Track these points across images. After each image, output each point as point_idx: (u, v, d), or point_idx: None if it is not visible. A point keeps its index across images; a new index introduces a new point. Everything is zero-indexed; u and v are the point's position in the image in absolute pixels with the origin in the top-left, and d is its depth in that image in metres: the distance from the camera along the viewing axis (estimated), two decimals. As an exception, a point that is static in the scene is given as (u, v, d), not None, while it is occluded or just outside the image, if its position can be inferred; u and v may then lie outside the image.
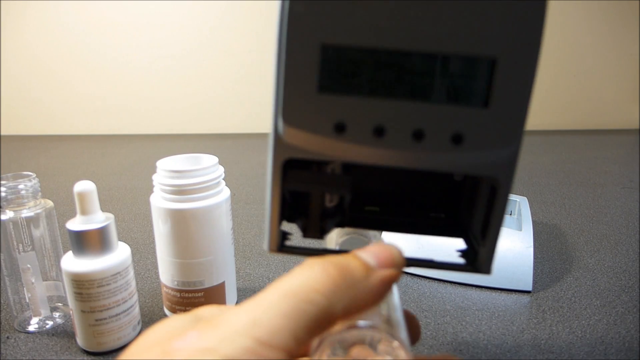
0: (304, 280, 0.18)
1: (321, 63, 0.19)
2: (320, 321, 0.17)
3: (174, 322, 0.19)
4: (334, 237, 0.26)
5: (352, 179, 0.24)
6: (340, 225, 0.27)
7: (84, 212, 0.36)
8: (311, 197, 0.24)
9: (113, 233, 0.38)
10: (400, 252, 0.22)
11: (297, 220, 0.26)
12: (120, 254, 0.38)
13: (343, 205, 0.25)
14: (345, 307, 0.18)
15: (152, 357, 0.16)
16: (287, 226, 0.25)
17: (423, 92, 0.19)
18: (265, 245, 0.24)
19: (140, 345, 0.18)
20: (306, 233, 0.25)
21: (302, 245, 0.24)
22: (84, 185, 0.36)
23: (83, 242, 0.36)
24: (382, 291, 0.20)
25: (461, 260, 0.25)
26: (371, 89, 0.19)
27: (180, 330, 0.18)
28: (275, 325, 0.16)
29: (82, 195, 0.36)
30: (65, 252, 0.39)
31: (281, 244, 0.24)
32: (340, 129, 0.20)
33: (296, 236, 0.26)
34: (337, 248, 0.25)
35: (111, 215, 0.38)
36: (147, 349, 0.17)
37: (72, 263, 0.37)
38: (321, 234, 0.25)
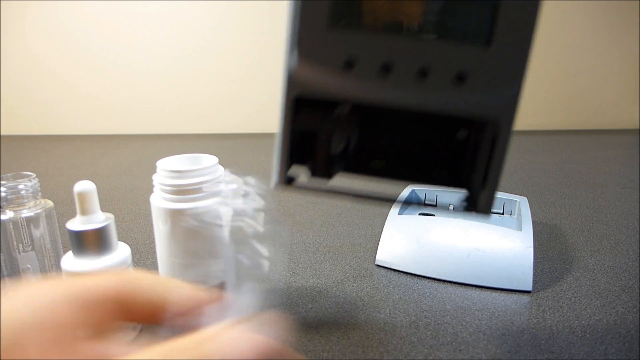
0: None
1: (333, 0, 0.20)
2: None
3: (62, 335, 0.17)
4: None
5: (359, 122, 0.24)
6: (347, 169, 0.27)
7: (84, 212, 0.36)
8: (319, 136, 0.25)
9: (113, 233, 0.38)
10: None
11: (305, 163, 0.26)
12: (120, 254, 0.38)
13: (349, 149, 0.26)
14: None
15: None
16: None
17: (430, 30, 0.20)
18: (272, 181, 0.25)
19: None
20: (314, 173, 0.26)
21: (308, 184, 0.25)
22: (84, 186, 0.36)
23: (83, 242, 0.36)
24: None
25: (463, 204, 0.26)
26: (380, 26, 0.20)
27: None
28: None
29: (82, 195, 0.36)
30: (65, 252, 0.39)
31: (288, 181, 0.25)
32: (349, 64, 0.20)
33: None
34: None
35: (111, 215, 0.38)
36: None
37: (72, 263, 0.37)
38: (329, 175, 0.26)
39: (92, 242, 0.36)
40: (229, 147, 1.23)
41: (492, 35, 0.19)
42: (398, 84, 0.20)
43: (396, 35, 0.20)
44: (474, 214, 0.25)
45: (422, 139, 0.28)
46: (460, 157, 0.28)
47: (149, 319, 0.20)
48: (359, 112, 0.25)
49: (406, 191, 0.62)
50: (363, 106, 0.24)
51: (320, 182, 0.26)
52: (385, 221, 0.57)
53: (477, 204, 0.24)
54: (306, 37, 0.20)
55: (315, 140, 0.25)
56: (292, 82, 0.21)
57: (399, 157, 0.29)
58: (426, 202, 0.63)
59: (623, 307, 0.45)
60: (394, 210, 0.59)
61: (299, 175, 0.26)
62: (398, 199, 0.25)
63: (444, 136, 0.28)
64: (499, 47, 0.20)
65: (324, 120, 0.24)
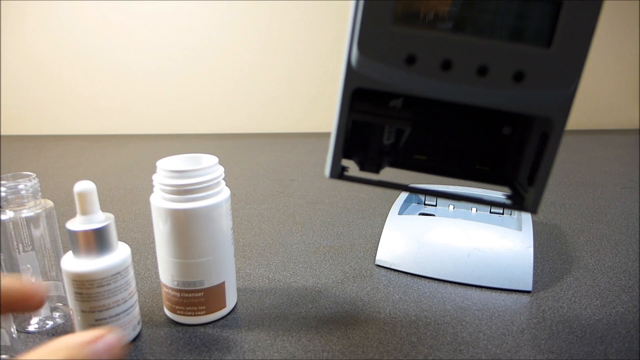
0: None
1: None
2: None
3: None
4: None
5: (412, 115, 0.25)
6: (394, 164, 0.28)
7: (84, 212, 0.36)
8: (372, 130, 0.26)
9: (113, 233, 0.38)
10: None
11: (354, 156, 0.27)
12: (120, 253, 0.38)
13: (398, 144, 0.27)
14: None
15: None
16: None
17: (491, 29, 0.21)
18: (327, 171, 0.25)
19: None
20: (363, 167, 0.27)
21: (360, 176, 0.26)
22: (84, 185, 0.36)
23: (83, 242, 0.36)
24: None
25: (507, 201, 0.27)
26: (443, 23, 0.21)
27: None
28: None
29: (82, 195, 0.36)
30: (65, 252, 0.39)
31: (341, 172, 0.26)
32: (410, 60, 0.21)
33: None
34: None
35: (111, 215, 0.38)
36: None
37: (72, 263, 0.37)
38: (378, 168, 0.27)
39: (92, 242, 0.36)
40: (229, 147, 1.23)
41: (553, 35, 0.20)
42: (458, 80, 0.21)
43: (457, 33, 0.21)
44: (521, 211, 0.25)
45: (468, 135, 0.29)
46: (505, 155, 0.29)
47: None
48: (412, 106, 0.26)
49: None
50: (416, 101, 0.25)
51: (369, 174, 0.27)
52: (385, 221, 0.57)
53: (525, 202, 0.25)
54: (369, 33, 0.21)
55: (368, 135, 0.26)
56: (353, 75, 0.22)
57: (443, 152, 0.30)
58: (426, 202, 0.63)
59: (623, 307, 0.45)
60: (394, 210, 0.59)
61: (348, 168, 0.26)
62: (447, 192, 0.26)
63: (489, 133, 0.29)
64: (558, 47, 0.20)
65: (379, 114, 0.25)
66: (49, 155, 1.16)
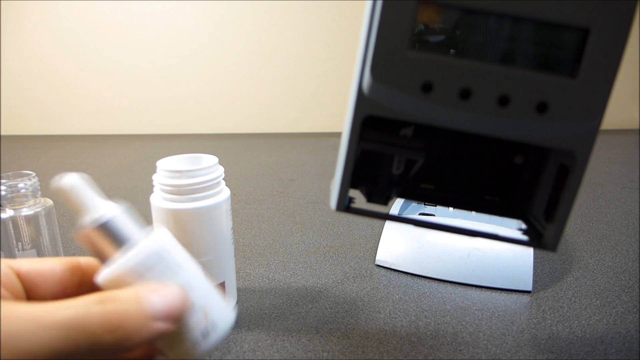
0: (82, 317, 0.17)
1: (415, 19, 0.19)
2: (86, 355, 0.17)
3: None
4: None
5: (425, 145, 0.24)
6: (402, 195, 0.27)
7: (75, 212, 0.33)
8: (382, 159, 0.24)
9: (125, 224, 0.29)
10: (189, 305, 0.20)
11: (360, 187, 0.26)
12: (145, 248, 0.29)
13: (407, 175, 0.25)
14: (115, 350, 0.18)
15: None
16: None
17: (513, 57, 0.19)
18: (332, 203, 0.24)
19: None
20: (371, 198, 0.26)
21: (368, 209, 0.24)
22: (61, 182, 0.25)
23: (94, 244, 0.33)
24: (151, 341, 0.19)
25: (524, 238, 0.25)
26: (462, 50, 0.20)
27: None
28: (35, 346, 0.16)
29: (62, 194, 0.26)
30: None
31: (347, 205, 0.24)
32: (427, 88, 0.20)
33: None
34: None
35: (116, 205, 0.30)
36: None
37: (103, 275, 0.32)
38: (386, 200, 0.26)
39: (103, 241, 0.32)
40: (229, 147, 1.23)
41: (579, 65, 0.19)
42: (477, 110, 0.20)
43: (477, 60, 0.19)
44: (540, 249, 0.24)
45: (478, 163, 0.28)
46: (516, 185, 0.28)
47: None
48: (424, 136, 0.24)
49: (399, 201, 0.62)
50: (428, 130, 0.23)
51: (376, 206, 0.25)
52: (385, 221, 0.56)
53: (544, 239, 0.23)
54: (383, 57, 0.20)
55: (376, 165, 0.25)
56: (364, 102, 0.20)
57: (451, 181, 0.28)
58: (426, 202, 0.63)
59: (623, 307, 0.45)
60: (394, 210, 0.59)
61: (355, 199, 0.25)
62: (466, 229, 0.24)
63: (500, 161, 0.27)
64: (584, 77, 0.19)
65: (390, 143, 0.24)
66: (49, 155, 1.16)
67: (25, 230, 0.41)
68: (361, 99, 0.21)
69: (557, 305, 0.46)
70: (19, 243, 0.41)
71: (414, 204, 0.63)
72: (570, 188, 0.21)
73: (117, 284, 0.20)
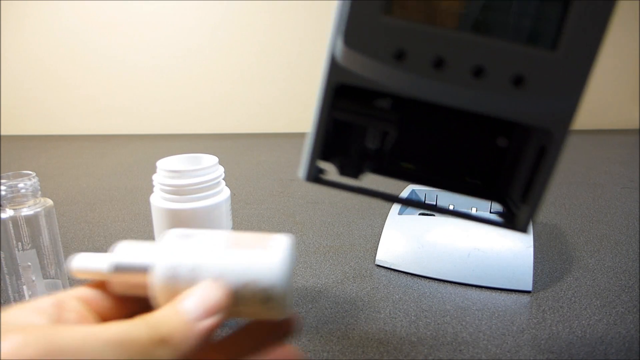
0: (133, 332, 0.18)
1: None
2: None
3: (10, 319, 0.18)
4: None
5: (399, 118, 0.23)
6: (377, 171, 0.26)
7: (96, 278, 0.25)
8: (354, 130, 0.24)
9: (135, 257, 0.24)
10: (224, 293, 0.21)
11: (333, 159, 0.25)
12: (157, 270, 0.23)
13: (382, 149, 0.24)
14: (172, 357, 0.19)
15: None
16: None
17: (489, 27, 0.19)
18: (301, 173, 0.23)
19: None
20: (343, 171, 0.25)
21: (337, 180, 0.24)
22: (71, 268, 0.22)
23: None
24: (205, 339, 0.20)
25: (497, 219, 0.24)
26: (437, 17, 0.19)
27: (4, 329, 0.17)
28: None
29: (81, 275, 0.23)
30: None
31: (317, 175, 0.23)
32: (400, 55, 0.19)
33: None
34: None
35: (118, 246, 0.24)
36: None
37: None
38: (358, 173, 0.25)
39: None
40: (229, 147, 1.23)
41: (559, 38, 0.18)
42: (450, 80, 0.19)
43: (453, 29, 0.18)
44: (510, 230, 0.23)
45: (460, 144, 0.27)
46: (499, 168, 0.26)
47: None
48: (400, 109, 0.23)
49: (406, 191, 0.62)
50: (405, 103, 0.22)
51: (348, 180, 0.24)
52: (385, 221, 0.57)
53: (516, 220, 0.22)
54: (356, 23, 0.19)
55: (350, 136, 0.24)
56: (336, 69, 0.20)
57: (432, 161, 0.27)
58: (426, 202, 0.63)
59: (623, 307, 0.45)
60: (394, 210, 0.59)
61: (326, 171, 0.24)
62: (431, 204, 0.24)
63: (481, 143, 0.26)
64: (564, 51, 0.18)
65: (362, 114, 0.22)
66: (49, 155, 1.16)
67: (25, 230, 0.41)
68: (333, 66, 0.20)
69: (557, 305, 0.46)
70: (19, 243, 0.41)
71: (414, 196, 0.63)
72: (545, 168, 0.21)
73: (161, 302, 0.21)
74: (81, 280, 0.43)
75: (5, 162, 1.09)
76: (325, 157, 0.25)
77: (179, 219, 0.39)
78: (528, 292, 0.48)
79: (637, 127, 1.46)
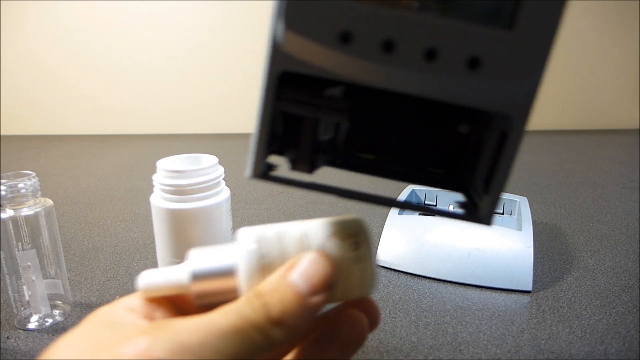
0: (249, 316, 0.18)
1: None
2: (260, 353, 0.18)
3: (110, 318, 0.19)
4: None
5: (351, 107, 0.21)
6: (333, 163, 0.24)
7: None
8: (304, 122, 0.22)
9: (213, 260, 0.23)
10: (333, 270, 0.20)
11: (286, 153, 0.23)
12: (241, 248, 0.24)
13: (337, 140, 0.23)
14: (285, 339, 0.18)
15: None
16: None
17: (442, 5, 0.17)
18: (247, 171, 0.21)
19: (81, 345, 0.17)
20: (295, 165, 0.23)
21: (288, 177, 0.21)
22: (139, 287, 0.22)
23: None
24: (312, 317, 0.19)
25: (460, 211, 0.23)
26: None
27: (122, 332, 0.17)
28: (221, 353, 0.17)
29: (152, 293, 0.22)
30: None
31: (265, 171, 0.21)
32: (345, 38, 0.17)
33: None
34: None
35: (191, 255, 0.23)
36: (92, 352, 0.17)
37: None
38: (311, 168, 0.23)
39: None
40: (229, 147, 1.23)
41: (516, 16, 0.17)
42: (401, 64, 0.17)
43: (403, 8, 0.17)
44: (473, 223, 0.22)
45: (418, 132, 0.26)
46: (460, 156, 0.25)
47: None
48: (351, 96, 0.22)
49: (406, 192, 0.62)
50: (356, 90, 0.21)
51: (301, 175, 0.23)
52: (385, 221, 0.57)
53: (479, 211, 0.21)
54: (297, 4, 0.17)
55: (299, 127, 0.22)
56: (278, 55, 0.18)
57: (390, 152, 0.26)
58: (426, 202, 0.63)
59: (623, 307, 0.45)
60: (394, 210, 0.59)
61: (277, 166, 0.22)
62: (391, 199, 0.22)
63: (443, 131, 0.25)
64: (521, 30, 0.17)
65: (311, 104, 0.21)
66: (49, 155, 1.16)
67: (25, 230, 0.41)
68: (275, 52, 0.18)
69: (557, 305, 0.46)
70: (19, 243, 0.41)
71: (414, 197, 0.63)
72: (506, 156, 0.19)
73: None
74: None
75: (5, 162, 1.09)
76: (280, 152, 0.23)
77: (179, 219, 0.39)
78: (528, 292, 0.48)
79: (637, 127, 1.46)
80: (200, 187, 0.39)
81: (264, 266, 0.20)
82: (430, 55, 0.17)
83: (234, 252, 0.21)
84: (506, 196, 0.62)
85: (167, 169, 0.39)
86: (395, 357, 0.38)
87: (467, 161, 0.25)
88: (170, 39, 1.37)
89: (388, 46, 0.17)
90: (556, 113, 1.46)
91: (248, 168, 0.21)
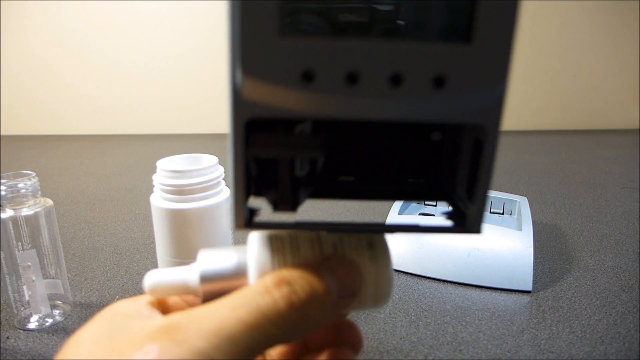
0: (263, 310, 0.18)
1: (281, 1, 0.17)
2: (275, 344, 0.18)
3: (119, 322, 0.18)
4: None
5: (324, 141, 0.21)
6: (313, 195, 0.24)
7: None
8: (279, 163, 0.22)
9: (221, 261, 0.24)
10: (360, 278, 0.20)
11: (265, 194, 0.23)
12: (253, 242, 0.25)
13: (315, 173, 0.23)
14: (301, 336, 0.18)
15: None
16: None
17: (399, 29, 0.17)
18: (230, 222, 0.22)
19: (91, 348, 0.17)
20: (277, 207, 0.23)
21: (274, 220, 0.21)
22: (145, 287, 0.22)
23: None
24: (328, 320, 0.19)
25: (448, 223, 0.23)
26: (341, 29, 0.17)
27: (132, 337, 0.17)
28: (236, 353, 0.17)
29: (158, 293, 0.22)
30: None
31: (249, 220, 0.21)
32: (308, 77, 0.17)
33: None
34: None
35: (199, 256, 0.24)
36: (101, 354, 0.17)
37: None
38: (293, 206, 0.23)
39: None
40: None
41: (472, 29, 0.17)
42: (368, 94, 0.17)
43: (361, 38, 0.17)
44: (463, 234, 0.22)
45: (393, 147, 0.26)
46: (437, 163, 0.26)
47: None
48: (322, 129, 0.22)
49: (397, 204, 0.61)
50: (327, 123, 0.21)
51: (285, 214, 0.23)
52: (385, 221, 0.56)
53: (467, 221, 0.21)
54: (252, 49, 0.17)
55: (275, 169, 0.22)
56: (240, 104, 0.18)
57: (368, 170, 0.26)
58: (426, 202, 0.63)
59: (623, 307, 0.45)
60: (394, 210, 0.59)
61: (260, 210, 0.22)
62: (379, 224, 0.22)
63: (416, 141, 0.25)
64: (480, 42, 0.17)
65: (283, 145, 0.21)
66: (49, 155, 1.16)
67: (25, 230, 0.41)
68: (237, 100, 0.18)
69: (557, 305, 0.46)
70: (19, 243, 0.41)
71: (413, 205, 0.63)
72: (485, 163, 0.19)
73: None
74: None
75: (5, 162, 1.09)
76: (259, 193, 0.23)
77: (179, 219, 0.39)
78: (528, 292, 0.48)
79: (637, 127, 1.46)
80: (200, 187, 0.39)
81: (275, 267, 0.20)
82: (396, 80, 0.17)
83: (244, 253, 0.21)
84: (506, 196, 0.62)
85: (167, 169, 0.39)
86: (395, 357, 0.38)
87: (446, 167, 0.25)
88: (170, 39, 1.37)
89: (352, 78, 0.17)
90: (556, 113, 1.46)
91: (231, 219, 0.21)
